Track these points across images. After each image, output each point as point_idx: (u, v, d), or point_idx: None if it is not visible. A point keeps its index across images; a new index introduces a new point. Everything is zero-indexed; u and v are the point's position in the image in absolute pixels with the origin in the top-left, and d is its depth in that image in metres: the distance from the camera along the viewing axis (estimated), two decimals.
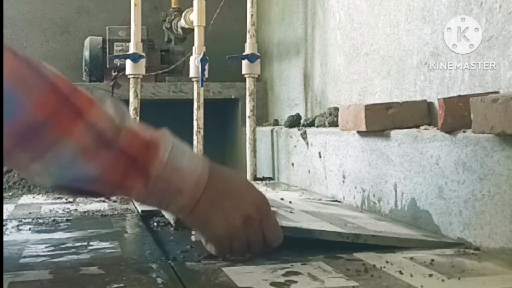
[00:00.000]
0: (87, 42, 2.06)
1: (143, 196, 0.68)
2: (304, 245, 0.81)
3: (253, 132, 1.79)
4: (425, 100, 1.05)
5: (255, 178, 1.74)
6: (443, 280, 0.66)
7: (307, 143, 1.45)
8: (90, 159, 0.63)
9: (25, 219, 1.10)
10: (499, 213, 0.75)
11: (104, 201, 1.32)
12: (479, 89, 0.92)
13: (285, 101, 1.94)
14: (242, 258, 0.76)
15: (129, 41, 1.74)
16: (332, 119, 1.37)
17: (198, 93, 1.79)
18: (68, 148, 0.62)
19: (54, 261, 0.77)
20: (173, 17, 2.13)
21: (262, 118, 2.04)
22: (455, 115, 0.85)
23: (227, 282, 0.66)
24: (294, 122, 1.63)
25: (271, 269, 0.71)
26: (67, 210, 1.20)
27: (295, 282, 0.66)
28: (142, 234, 0.97)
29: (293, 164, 1.57)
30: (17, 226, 1.03)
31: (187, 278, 0.68)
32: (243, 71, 1.80)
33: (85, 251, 0.83)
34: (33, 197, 1.39)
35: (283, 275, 0.68)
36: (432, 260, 0.74)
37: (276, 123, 1.91)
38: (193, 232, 0.82)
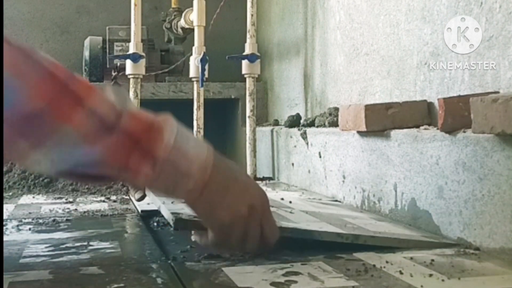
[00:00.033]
0: (87, 42, 2.06)
1: (151, 180, 0.67)
2: (304, 245, 0.81)
3: (253, 132, 1.79)
4: (425, 100, 1.05)
5: (255, 178, 1.74)
6: (443, 280, 0.66)
7: (307, 143, 1.45)
8: (92, 144, 0.63)
9: (25, 219, 1.10)
10: (499, 213, 0.75)
11: (104, 201, 1.32)
12: (479, 89, 0.92)
13: (285, 101, 1.94)
14: (242, 258, 0.76)
15: (129, 41, 1.74)
16: (332, 119, 1.37)
17: (198, 93, 1.79)
18: (69, 135, 0.61)
19: (54, 261, 0.77)
20: (173, 17, 2.13)
21: (262, 118, 2.04)
22: (455, 115, 0.85)
23: (227, 282, 0.66)
24: (294, 122, 1.63)
25: (271, 269, 0.71)
26: (67, 210, 1.20)
27: (295, 282, 0.66)
28: (142, 234, 0.97)
29: (293, 164, 1.57)
30: (17, 226, 1.03)
31: (187, 278, 0.68)
32: (243, 71, 1.80)
33: (85, 251, 0.83)
34: (33, 197, 1.39)
35: (283, 275, 0.68)
36: (432, 260, 0.74)
37: (276, 123, 1.91)
38: (192, 232, 0.81)
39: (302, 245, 0.81)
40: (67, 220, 1.09)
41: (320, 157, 1.36)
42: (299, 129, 1.52)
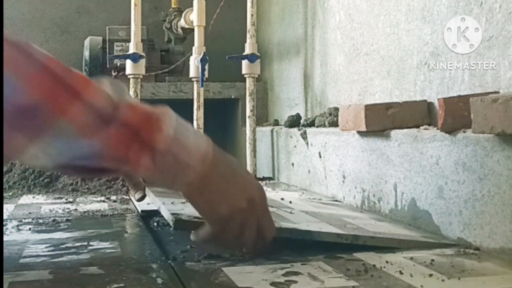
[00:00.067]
0: (87, 42, 2.06)
1: (151, 172, 0.67)
2: (304, 245, 0.81)
3: (253, 132, 1.79)
4: (425, 100, 1.05)
5: (255, 178, 1.74)
6: (443, 280, 0.66)
7: (307, 143, 1.45)
8: (90, 137, 0.62)
9: (25, 219, 1.10)
10: (499, 213, 0.75)
11: (104, 201, 1.32)
12: (479, 89, 0.92)
13: (285, 101, 1.94)
14: (242, 258, 0.76)
15: (129, 41, 1.74)
16: (332, 119, 1.37)
17: (198, 93, 1.79)
18: (66, 128, 0.61)
19: (54, 261, 0.77)
20: (173, 17, 2.13)
21: (262, 118, 2.04)
22: (455, 115, 0.85)
23: (227, 282, 0.66)
24: (294, 122, 1.63)
25: (271, 269, 0.71)
26: (67, 210, 1.20)
27: (295, 282, 0.66)
28: (142, 234, 0.97)
29: (293, 164, 1.57)
30: (17, 226, 1.03)
31: (187, 278, 0.68)
32: (243, 71, 1.81)
33: (85, 251, 0.83)
34: (33, 197, 1.39)
35: (283, 275, 0.68)
36: (432, 260, 0.74)
37: (276, 123, 1.91)
38: (192, 232, 0.81)
39: (302, 245, 0.81)
40: (67, 220, 1.08)
41: (320, 157, 1.36)
42: (299, 129, 1.52)
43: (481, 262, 0.74)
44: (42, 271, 0.72)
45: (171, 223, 0.83)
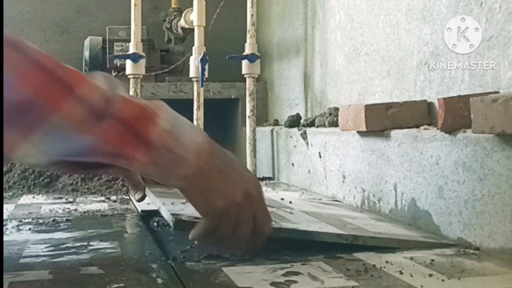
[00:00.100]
0: (87, 42, 2.06)
1: (146, 166, 0.66)
2: (304, 245, 0.81)
3: (253, 132, 1.79)
4: (425, 100, 1.05)
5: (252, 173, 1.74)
6: (443, 280, 0.66)
7: (307, 143, 1.45)
8: (84, 132, 0.62)
9: (25, 219, 1.10)
10: (499, 213, 0.75)
11: (104, 201, 1.32)
12: (479, 89, 0.92)
13: (285, 101, 1.94)
14: (242, 258, 0.76)
15: (129, 41, 1.74)
16: (332, 119, 1.37)
17: (198, 93, 1.79)
18: (60, 123, 0.60)
19: (54, 261, 0.77)
20: (173, 17, 2.13)
21: (262, 118, 2.04)
22: (455, 115, 0.85)
23: (227, 282, 0.66)
24: (294, 122, 1.63)
25: (271, 269, 0.71)
26: (67, 210, 1.20)
27: (295, 282, 0.66)
28: (142, 234, 0.97)
29: (293, 164, 1.57)
30: (17, 226, 1.03)
31: (187, 278, 0.68)
32: (243, 71, 1.81)
33: (85, 251, 0.83)
34: (33, 197, 1.39)
35: (283, 275, 0.68)
36: (432, 260, 0.74)
37: (276, 123, 1.91)
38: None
39: (302, 245, 0.81)
40: (67, 220, 1.08)
41: (320, 157, 1.36)
42: (299, 129, 1.52)
43: (481, 262, 0.74)
44: (42, 271, 0.72)
45: (171, 224, 0.83)
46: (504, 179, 0.74)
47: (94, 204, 1.28)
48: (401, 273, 0.68)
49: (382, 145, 1.05)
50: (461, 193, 0.83)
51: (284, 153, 1.64)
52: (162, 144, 0.66)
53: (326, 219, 0.94)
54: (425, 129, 0.98)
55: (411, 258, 0.75)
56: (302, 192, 1.41)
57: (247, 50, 1.77)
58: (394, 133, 1.02)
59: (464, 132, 0.83)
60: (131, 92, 1.71)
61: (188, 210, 0.80)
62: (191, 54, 1.79)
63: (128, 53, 1.72)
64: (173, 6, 2.17)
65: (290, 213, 0.99)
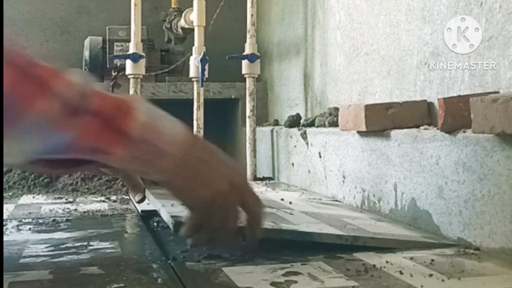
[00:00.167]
0: (87, 42, 2.06)
1: (125, 160, 0.65)
2: (304, 245, 0.81)
3: (253, 132, 1.79)
4: (425, 100, 1.05)
5: (255, 178, 1.74)
6: (443, 280, 0.66)
7: (307, 143, 1.45)
8: (61, 128, 0.61)
9: (25, 219, 1.10)
10: (499, 213, 0.75)
11: (104, 201, 1.32)
12: (479, 89, 0.92)
13: (285, 101, 1.94)
14: (242, 258, 0.76)
15: (129, 41, 1.74)
16: (332, 119, 1.37)
17: (198, 93, 1.79)
18: (36, 121, 0.59)
19: (54, 261, 0.77)
20: (173, 17, 2.13)
21: (262, 118, 2.04)
22: (455, 115, 0.85)
23: (227, 282, 0.66)
24: (294, 122, 1.63)
25: (271, 269, 0.71)
26: (67, 210, 1.20)
27: (295, 282, 0.66)
28: (142, 234, 0.97)
29: (293, 164, 1.57)
30: (17, 226, 1.03)
31: (187, 278, 0.68)
32: (243, 71, 1.81)
33: (85, 251, 0.83)
34: (33, 197, 1.39)
35: (283, 275, 0.68)
36: (432, 260, 0.74)
37: (276, 123, 1.91)
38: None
39: (302, 245, 0.81)
40: (67, 220, 1.08)
41: (320, 157, 1.36)
42: (299, 129, 1.52)
43: (481, 262, 0.74)
44: (42, 271, 0.72)
45: (170, 226, 0.83)
46: (504, 179, 0.74)
47: (94, 204, 1.28)
48: (401, 273, 0.68)
49: (382, 145, 1.05)
50: (461, 193, 0.83)
51: (284, 153, 1.64)
52: (141, 137, 0.65)
53: (326, 220, 0.94)
54: (425, 129, 0.98)
55: (411, 258, 0.75)
56: (302, 192, 1.41)
57: (247, 50, 1.77)
58: (394, 133, 1.02)
59: (464, 132, 0.83)
60: (131, 92, 1.71)
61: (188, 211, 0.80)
62: (191, 54, 1.79)
63: (128, 53, 1.72)
64: (173, 6, 2.17)
65: (290, 213, 0.99)
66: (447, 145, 0.86)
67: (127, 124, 0.64)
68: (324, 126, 1.41)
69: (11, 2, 2.21)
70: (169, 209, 0.88)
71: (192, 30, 1.84)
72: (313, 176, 1.41)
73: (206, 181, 0.71)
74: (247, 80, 1.81)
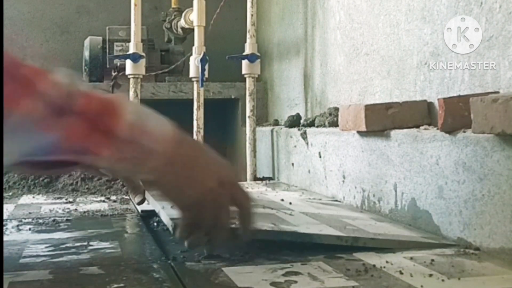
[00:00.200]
0: (87, 42, 2.06)
1: (113, 161, 0.65)
2: (304, 245, 0.81)
3: (253, 132, 1.79)
4: (425, 100, 1.05)
5: (255, 178, 1.74)
6: (443, 280, 0.66)
7: (307, 143, 1.45)
8: (46, 129, 0.60)
9: (25, 219, 1.10)
10: (499, 213, 0.75)
11: (104, 201, 1.32)
12: (479, 89, 0.92)
13: (285, 101, 1.94)
14: (242, 258, 0.76)
15: (129, 41, 1.74)
16: (332, 119, 1.37)
17: (198, 93, 1.79)
18: (20, 121, 0.58)
19: (54, 261, 0.77)
20: (173, 17, 2.13)
21: (262, 118, 2.04)
22: (455, 115, 0.85)
23: (227, 282, 0.66)
24: (294, 122, 1.63)
25: (271, 269, 0.71)
26: (67, 210, 1.20)
27: (295, 282, 0.66)
28: (142, 234, 0.97)
29: (293, 164, 1.57)
30: (17, 226, 1.03)
31: (187, 278, 0.68)
32: (243, 71, 1.81)
33: (85, 251, 0.83)
34: (33, 197, 1.39)
35: (283, 275, 0.68)
36: (432, 260, 0.74)
37: (276, 123, 1.91)
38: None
39: (302, 245, 0.81)
40: (67, 220, 1.08)
41: (320, 157, 1.36)
42: (299, 129, 1.52)
43: (481, 262, 0.74)
44: (42, 271, 0.72)
45: (170, 228, 0.83)
46: (504, 179, 0.74)
47: (94, 204, 1.28)
48: (401, 273, 0.68)
49: (382, 145, 1.05)
50: (461, 193, 0.83)
51: (284, 153, 1.64)
52: (129, 136, 0.64)
53: (326, 221, 0.94)
54: (425, 129, 0.98)
55: (411, 258, 0.75)
56: (302, 192, 1.41)
57: (247, 50, 1.77)
58: (394, 133, 1.02)
59: (464, 132, 0.83)
60: (131, 92, 1.71)
61: None
62: (191, 54, 1.79)
63: (128, 53, 1.72)
64: (173, 6, 2.17)
65: (290, 214, 0.98)
66: (447, 145, 0.86)
67: (114, 124, 0.64)
68: (324, 126, 1.41)
69: (11, 2, 2.21)
70: (169, 211, 0.88)
71: (192, 30, 1.84)
72: (313, 176, 1.41)
73: (195, 179, 0.70)
74: (247, 80, 1.81)
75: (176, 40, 2.16)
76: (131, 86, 1.71)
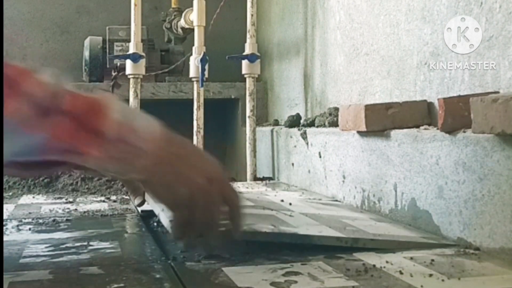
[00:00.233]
0: (87, 42, 2.06)
1: (101, 161, 0.64)
2: (304, 245, 0.81)
3: (253, 132, 1.79)
4: (425, 100, 1.05)
5: (255, 178, 1.74)
6: (443, 280, 0.66)
7: (307, 143, 1.45)
8: (32, 129, 0.60)
9: (25, 219, 1.10)
10: (499, 213, 0.75)
11: (104, 201, 1.32)
12: (479, 89, 0.92)
13: (285, 101, 1.94)
14: (242, 258, 0.76)
15: (129, 41, 1.75)
16: (332, 119, 1.37)
17: (198, 93, 1.79)
18: (6, 122, 0.58)
19: (54, 261, 0.77)
20: (173, 17, 2.13)
21: (262, 118, 2.04)
22: (455, 115, 0.85)
23: (227, 282, 0.66)
24: (294, 122, 1.63)
25: (271, 269, 0.71)
26: (67, 210, 1.20)
27: (295, 282, 0.66)
28: (142, 234, 0.97)
29: (293, 164, 1.57)
30: (17, 226, 1.03)
31: (187, 278, 0.68)
32: (243, 71, 1.81)
33: (85, 251, 0.83)
34: (33, 197, 1.39)
35: (283, 275, 0.68)
36: (432, 260, 0.74)
37: (276, 123, 1.91)
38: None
39: (302, 245, 0.81)
40: (67, 220, 1.08)
41: (320, 157, 1.36)
42: (299, 129, 1.52)
43: (481, 262, 0.74)
44: (42, 271, 0.72)
45: (169, 230, 0.83)
46: (504, 179, 0.74)
47: (94, 204, 1.28)
48: (401, 273, 0.68)
49: (382, 145, 1.05)
50: (461, 193, 0.83)
51: (284, 153, 1.64)
52: (117, 136, 0.64)
53: (326, 221, 0.94)
54: (425, 129, 0.98)
55: (411, 258, 0.75)
56: (302, 192, 1.41)
57: (247, 50, 1.77)
58: (394, 133, 1.02)
59: (464, 132, 0.83)
60: (131, 92, 1.71)
61: None
62: (191, 54, 1.79)
63: (128, 53, 1.72)
64: (173, 6, 2.17)
65: (290, 216, 0.98)
66: (447, 145, 0.86)
67: (101, 123, 0.63)
68: (324, 126, 1.41)
69: (11, 2, 2.21)
70: (168, 213, 0.88)
71: (192, 30, 1.84)
72: (313, 176, 1.41)
73: (185, 177, 0.70)
74: (247, 80, 1.81)
75: (176, 40, 2.16)
76: (131, 86, 1.71)
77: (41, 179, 1.51)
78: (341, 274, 0.68)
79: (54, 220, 1.07)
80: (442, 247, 0.82)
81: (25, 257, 0.79)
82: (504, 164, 0.74)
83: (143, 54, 1.72)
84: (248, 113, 1.81)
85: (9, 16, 2.20)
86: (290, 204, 1.14)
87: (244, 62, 1.79)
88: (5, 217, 1.11)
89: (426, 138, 0.92)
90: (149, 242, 0.90)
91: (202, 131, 1.79)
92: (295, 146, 1.54)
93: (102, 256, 0.80)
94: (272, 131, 1.75)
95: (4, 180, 1.51)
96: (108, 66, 1.99)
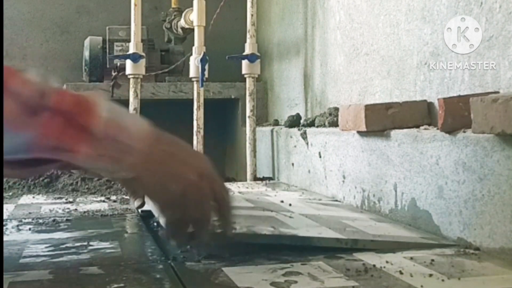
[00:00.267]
0: (87, 42, 2.06)
1: (92, 159, 0.64)
2: (304, 246, 0.81)
3: (253, 132, 1.80)
4: (425, 100, 1.05)
5: (255, 178, 1.74)
6: (443, 280, 0.66)
7: (307, 143, 1.45)
8: (21, 128, 0.60)
9: (25, 219, 1.10)
10: (499, 213, 0.75)
11: (104, 201, 1.32)
12: (479, 89, 0.92)
13: (285, 101, 1.94)
14: (242, 258, 0.76)
15: (129, 41, 1.75)
16: (332, 119, 1.37)
17: (198, 93, 1.79)
18: None
19: (54, 261, 0.77)
20: (173, 17, 2.13)
21: (262, 118, 2.05)
22: (455, 115, 0.85)
23: (227, 282, 0.66)
24: (294, 122, 1.63)
25: (271, 269, 0.71)
26: (67, 210, 1.20)
27: (295, 282, 0.66)
28: (142, 234, 0.97)
29: (293, 164, 1.57)
30: (17, 226, 1.03)
31: (187, 278, 0.68)
32: (243, 71, 1.81)
33: (85, 251, 0.83)
34: (33, 197, 1.39)
35: (283, 275, 0.68)
36: (432, 260, 0.74)
37: (276, 123, 1.91)
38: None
39: (302, 246, 0.81)
40: (67, 220, 1.08)
41: (320, 157, 1.36)
42: (299, 129, 1.52)
43: (481, 262, 0.74)
44: (42, 271, 0.72)
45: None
46: (504, 179, 0.74)
47: (94, 204, 1.28)
48: (401, 273, 0.68)
49: (382, 145, 1.05)
50: (461, 193, 0.83)
51: (284, 153, 1.64)
52: (106, 133, 0.64)
53: (325, 222, 0.94)
54: (425, 129, 0.98)
55: (411, 258, 0.75)
56: (302, 192, 1.41)
57: (247, 50, 1.77)
58: (394, 133, 1.02)
59: (464, 132, 0.83)
60: (131, 92, 1.71)
61: None
62: (191, 54, 1.79)
63: (128, 53, 1.72)
64: (173, 6, 2.17)
65: (290, 217, 0.98)
66: (447, 145, 0.86)
67: (90, 121, 0.63)
68: (324, 126, 1.41)
69: (11, 2, 2.21)
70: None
71: (192, 30, 1.84)
72: (313, 176, 1.41)
73: (175, 174, 0.70)
74: (247, 80, 1.81)
75: (176, 40, 2.16)
76: (131, 86, 1.71)
77: (41, 179, 1.51)
78: (341, 274, 0.68)
79: (54, 220, 1.07)
80: (442, 247, 0.82)
81: (25, 257, 0.79)
82: (504, 164, 0.74)
83: (143, 54, 1.72)
84: (248, 113, 1.81)
85: (9, 16, 2.20)
86: (290, 204, 1.14)
87: (244, 62, 1.79)
88: (5, 217, 1.11)
89: (426, 138, 0.92)
90: (149, 242, 0.90)
91: (202, 131, 1.79)
92: (295, 146, 1.54)
93: (102, 256, 0.80)
94: (272, 131, 1.75)
95: (4, 180, 1.50)
96: (108, 66, 1.99)
